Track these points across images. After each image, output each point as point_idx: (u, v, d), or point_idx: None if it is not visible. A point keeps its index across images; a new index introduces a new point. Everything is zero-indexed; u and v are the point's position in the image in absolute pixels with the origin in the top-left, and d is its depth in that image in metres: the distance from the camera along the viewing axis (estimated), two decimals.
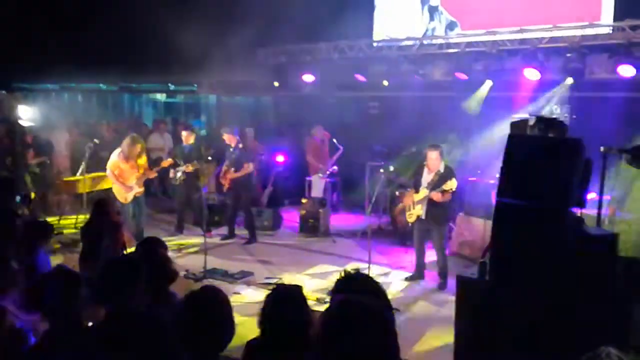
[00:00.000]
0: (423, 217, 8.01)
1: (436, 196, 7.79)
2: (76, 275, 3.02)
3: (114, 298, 3.12)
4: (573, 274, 4.33)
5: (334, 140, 11.86)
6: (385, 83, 11.70)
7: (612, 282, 4.39)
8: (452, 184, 7.72)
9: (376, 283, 2.79)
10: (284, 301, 3.07)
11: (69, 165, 12.44)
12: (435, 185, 7.85)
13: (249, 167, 10.08)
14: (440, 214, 7.99)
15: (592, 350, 2.07)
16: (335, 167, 11.95)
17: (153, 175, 9.84)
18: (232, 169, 10.10)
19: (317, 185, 11.76)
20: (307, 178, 12.42)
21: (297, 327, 3.00)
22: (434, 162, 7.93)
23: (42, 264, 5.22)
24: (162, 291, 3.85)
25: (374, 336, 1.94)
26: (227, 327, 2.77)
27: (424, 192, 7.95)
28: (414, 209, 8.11)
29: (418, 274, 8.33)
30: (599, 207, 5.33)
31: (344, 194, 13.02)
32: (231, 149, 10.22)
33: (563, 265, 4.35)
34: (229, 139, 10.25)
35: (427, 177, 8.02)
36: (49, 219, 9.77)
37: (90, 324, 3.30)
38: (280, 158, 12.69)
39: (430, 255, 8.37)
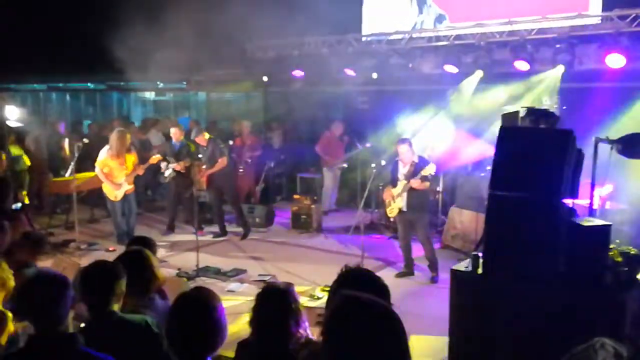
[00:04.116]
0: (404, 209, 8.04)
1: (416, 183, 7.83)
2: (62, 279, 2.96)
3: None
4: (566, 265, 4.33)
5: (354, 139, 11.88)
6: (374, 76, 11.68)
7: (605, 273, 4.39)
8: (430, 169, 7.80)
9: (378, 278, 2.76)
10: (275, 300, 3.04)
11: (46, 165, 12.25)
12: (412, 175, 7.91)
13: (223, 161, 10.05)
14: (420, 203, 8.06)
15: (586, 341, 2.06)
16: (344, 165, 12.00)
17: (141, 171, 9.75)
18: (207, 165, 10.05)
19: (327, 178, 11.81)
20: (298, 174, 12.42)
21: (288, 326, 2.97)
22: (406, 154, 8.00)
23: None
24: (145, 295, 3.74)
25: (381, 336, 1.89)
26: (218, 330, 2.68)
27: (402, 183, 8.00)
28: (395, 203, 8.13)
29: (407, 270, 8.33)
30: (591, 198, 5.33)
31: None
32: (204, 147, 10.14)
33: (556, 256, 4.34)
34: (199, 138, 10.15)
35: (402, 170, 8.09)
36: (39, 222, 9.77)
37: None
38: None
39: (418, 250, 8.36)
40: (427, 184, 7.96)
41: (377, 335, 1.88)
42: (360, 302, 1.98)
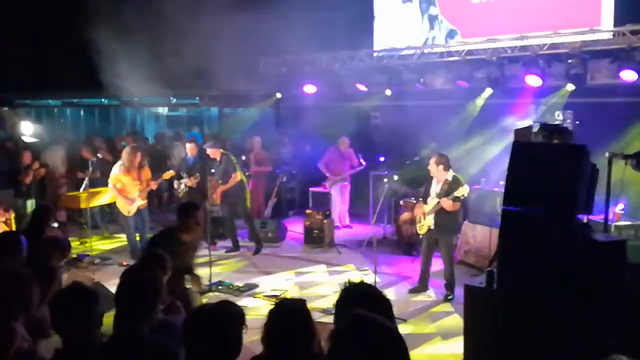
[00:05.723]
0: (432, 227, 7.94)
1: (446, 203, 7.70)
2: (91, 292, 2.97)
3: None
4: (582, 281, 4.31)
5: (359, 156, 11.88)
6: (388, 92, 11.76)
7: (621, 288, 4.36)
8: (463, 190, 7.65)
9: (380, 292, 2.78)
10: (287, 316, 3.02)
11: (66, 181, 12.34)
12: (444, 194, 7.77)
13: (237, 177, 10.08)
14: (448, 223, 7.90)
15: (603, 358, 2.05)
16: (344, 182, 11.97)
17: (155, 186, 9.81)
18: (220, 181, 10.09)
19: (332, 194, 11.87)
20: (310, 189, 12.41)
21: (300, 343, 2.97)
22: (431, 169, 7.91)
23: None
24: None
25: (385, 355, 1.91)
26: (236, 343, 2.73)
27: (433, 201, 7.88)
28: (425, 220, 8.00)
29: (422, 286, 8.20)
30: (606, 213, 5.30)
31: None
32: (217, 162, 10.19)
33: (571, 272, 4.32)
34: (213, 152, 10.21)
35: (435, 188, 7.95)
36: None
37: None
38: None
39: (435, 265, 8.27)
40: (458, 204, 7.82)
41: (380, 355, 1.91)
42: (362, 321, 2.00)
